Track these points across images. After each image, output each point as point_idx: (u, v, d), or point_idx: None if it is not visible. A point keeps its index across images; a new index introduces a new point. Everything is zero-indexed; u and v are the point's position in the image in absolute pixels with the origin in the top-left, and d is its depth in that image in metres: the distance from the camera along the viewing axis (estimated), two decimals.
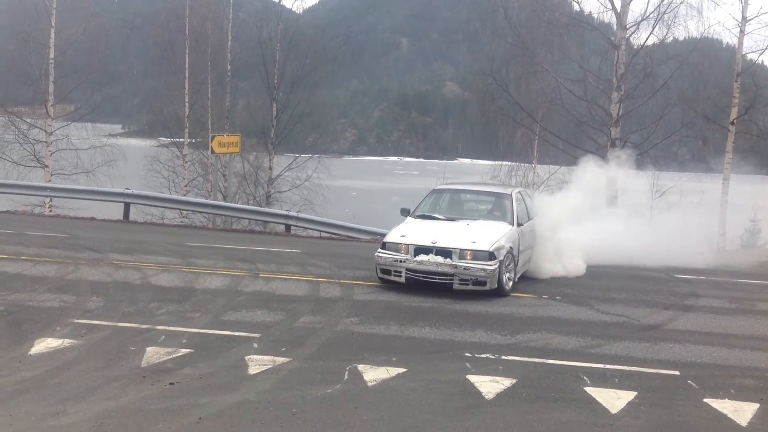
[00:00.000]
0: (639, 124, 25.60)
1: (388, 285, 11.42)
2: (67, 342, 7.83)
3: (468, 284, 10.88)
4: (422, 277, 11.02)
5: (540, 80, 25.82)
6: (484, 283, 10.82)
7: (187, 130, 31.65)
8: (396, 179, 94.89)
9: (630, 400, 6.79)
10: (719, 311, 11.19)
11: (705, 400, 6.91)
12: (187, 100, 31.39)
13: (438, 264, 10.90)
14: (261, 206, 28.88)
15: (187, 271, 12.16)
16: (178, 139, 32.55)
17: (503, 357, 7.98)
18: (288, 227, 21.71)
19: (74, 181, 27.49)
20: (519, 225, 12.16)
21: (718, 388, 7.28)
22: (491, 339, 8.76)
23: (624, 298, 11.80)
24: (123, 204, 21.95)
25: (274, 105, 31.63)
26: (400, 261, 11.10)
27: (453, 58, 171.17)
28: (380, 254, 11.34)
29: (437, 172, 36.62)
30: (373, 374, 7.17)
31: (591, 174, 16.96)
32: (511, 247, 11.40)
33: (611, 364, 7.89)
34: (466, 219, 12.24)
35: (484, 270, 10.75)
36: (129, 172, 28.93)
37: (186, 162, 31.59)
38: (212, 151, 23.24)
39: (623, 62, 23.47)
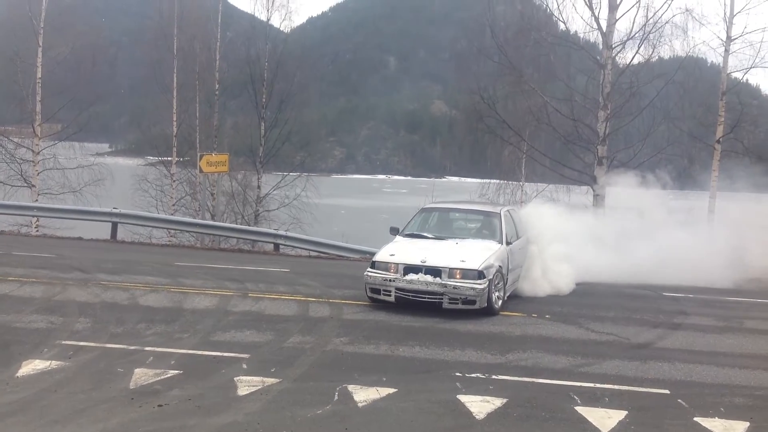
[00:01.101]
0: (625, 142, 25.74)
1: (378, 304, 11.40)
2: (54, 364, 7.77)
3: (457, 303, 10.87)
4: (412, 296, 11.01)
5: (527, 99, 25.90)
6: (473, 302, 10.81)
7: (174, 149, 31.58)
8: (384, 197, 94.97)
9: (620, 419, 6.78)
10: (708, 329, 11.22)
11: (695, 419, 6.91)
12: (174, 119, 31.34)
13: (427, 283, 10.89)
14: (249, 225, 28.82)
15: (176, 291, 12.11)
16: (166, 158, 32.47)
17: (493, 376, 7.97)
18: (277, 246, 21.67)
19: (61, 200, 27.33)
20: (508, 243, 12.19)
21: (708, 406, 7.29)
22: (481, 358, 8.75)
23: (613, 317, 11.83)
24: (110, 223, 21.85)
25: (263, 124, 31.63)
26: (390, 280, 11.08)
27: (440, 77, 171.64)
28: (369, 273, 11.31)
29: (426, 190, 36.59)
30: (363, 395, 7.15)
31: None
32: (500, 266, 11.41)
33: (601, 383, 7.89)
34: (455, 238, 12.26)
35: (474, 289, 10.75)
36: (116, 192, 28.82)
37: (174, 181, 31.49)
38: (201, 171, 23.19)
39: (609, 81, 23.62)
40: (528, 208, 16.64)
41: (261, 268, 16.07)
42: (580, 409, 7.04)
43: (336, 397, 7.06)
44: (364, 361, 8.38)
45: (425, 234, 12.38)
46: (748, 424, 6.80)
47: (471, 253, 11.32)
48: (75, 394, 6.88)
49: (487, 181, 31.78)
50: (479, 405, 6.99)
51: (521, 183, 30.37)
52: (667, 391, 7.76)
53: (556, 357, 8.96)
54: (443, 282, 10.86)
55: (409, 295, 11.03)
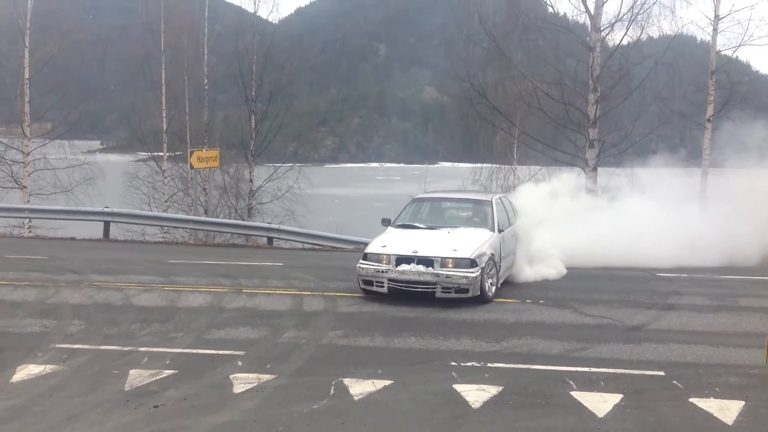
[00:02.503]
0: (616, 124, 25.72)
1: (372, 296, 11.40)
2: (49, 368, 7.75)
3: (450, 292, 10.89)
4: (405, 286, 11.02)
5: (517, 84, 25.87)
6: (466, 291, 10.84)
7: (165, 145, 31.47)
8: (378, 185, 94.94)
9: (616, 402, 6.81)
10: (702, 309, 11.26)
11: (690, 399, 6.94)
12: (164, 114, 31.22)
13: (420, 273, 10.90)
14: (243, 219, 28.77)
15: (169, 289, 12.09)
16: (157, 153, 32.36)
17: (489, 364, 7.99)
18: (270, 239, 21.64)
19: (53, 200, 27.21)
20: (500, 231, 12.23)
21: (703, 387, 7.32)
22: (476, 346, 8.76)
23: (607, 300, 11.85)
24: (103, 222, 21.78)
25: (253, 117, 31.53)
26: (382, 271, 11.09)
27: (430, 63, 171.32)
28: (362, 265, 11.33)
29: (418, 177, 36.66)
30: (359, 388, 7.15)
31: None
32: (492, 254, 11.43)
33: (596, 367, 7.92)
34: (447, 227, 12.26)
35: (466, 277, 10.77)
36: (108, 190, 28.71)
37: (165, 177, 31.38)
38: (191, 167, 23.15)
39: (598, 64, 23.59)
40: (520, 192, 16.66)
41: (255, 262, 16.05)
42: (575, 394, 7.06)
43: (332, 392, 7.07)
44: (359, 354, 8.38)
45: (417, 224, 12.37)
46: (743, 403, 6.82)
47: (463, 242, 11.33)
48: (70, 398, 6.86)
49: (480, 165, 31.77)
50: (475, 394, 7.00)
51: (513, 167, 30.36)
52: (662, 373, 7.78)
53: (551, 342, 8.98)
54: (435, 272, 10.86)
55: (401, 286, 11.03)
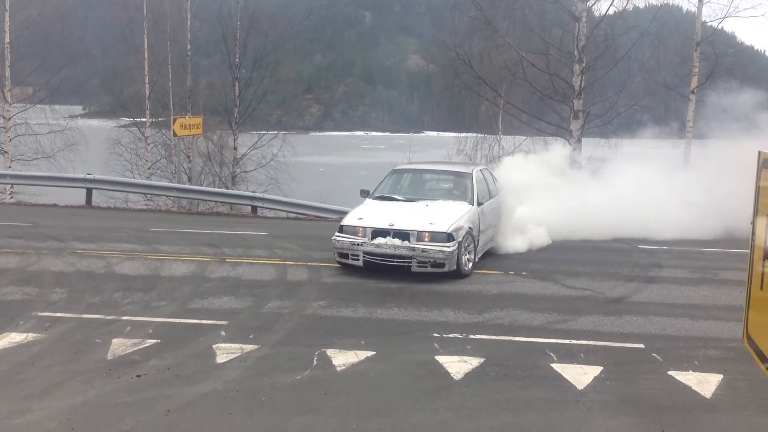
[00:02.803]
0: (601, 95, 25.75)
1: (354, 267, 11.40)
2: (31, 336, 7.73)
3: (426, 266, 10.74)
4: (380, 260, 10.88)
5: (503, 53, 25.78)
6: (442, 265, 10.69)
7: (148, 111, 31.18)
8: (363, 154, 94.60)
9: (596, 375, 6.89)
10: (682, 282, 11.36)
11: (669, 372, 7.03)
12: (147, 80, 30.89)
13: (395, 247, 10.74)
14: (227, 187, 28.65)
15: (152, 258, 12.05)
16: (139, 119, 32.06)
17: (471, 336, 8.05)
18: (254, 208, 21.57)
19: (35, 166, 26.99)
20: (479, 204, 11.99)
21: (682, 360, 7.41)
22: (459, 318, 8.82)
23: (589, 272, 11.93)
24: (85, 189, 21.63)
25: (237, 83, 31.26)
26: (358, 244, 10.95)
27: (416, 31, 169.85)
28: (337, 237, 11.18)
29: (403, 146, 36.50)
30: (341, 359, 7.19)
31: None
32: (470, 228, 11.28)
33: (577, 339, 8.00)
34: (425, 199, 12.05)
35: (443, 252, 10.62)
36: (90, 156, 28.49)
37: (148, 144, 31.14)
38: (175, 134, 22.97)
39: (584, 34, 23.53)
40: (505, 164, 16.65)
41: (239, 231, 16.01)
42: (556, 366, 7.13)
43: (315, 362, 7.10)
44: (342, 325, 8.42)
45: (395, 196, 12.17)
46: (721, 376, 6.91)
47: (440, 216, 11.15)
48: (52, 367, 6.86)
49: (465, 135, 31.70)
50: (457, 365, 7.06)
51: (498, 137, 30.34)
52: (641, 346, 7.87)
53: (533, 314, 9.05)
54: (411, 245, 10.70)
55: (377, 259, 10.89)
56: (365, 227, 11.00)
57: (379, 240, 10.81)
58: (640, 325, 8.68)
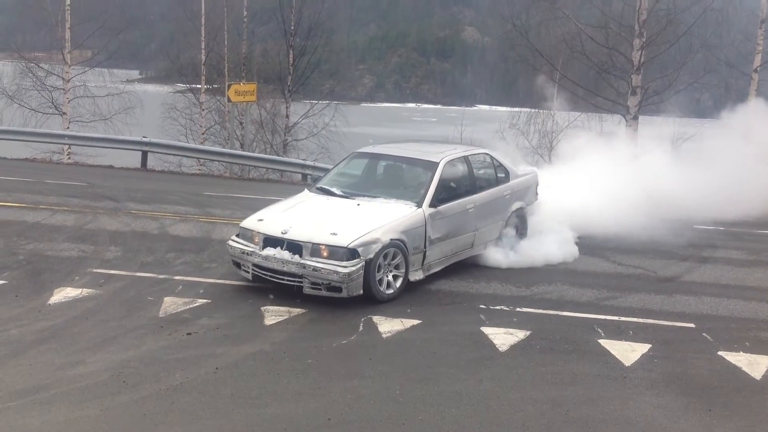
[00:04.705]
0: (660, 71, 25.15)
1: None
2: (86, 292, 7.94)
3: (320, 289, 8.02)
4: (269, 276, 8.36)
5: (560, 26, 25.35)
6: (339, 290, 7.93)
7: (203, 77, 31.48)
8: (414, 126, 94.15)
9: (644, 352, 6.82)
10: (737, 263, 11.11)
11: (719, 353, 6.93)
12: (203, 46, 31.14)
13: (284, 261, 8.14)
14: (278, 154, 28.83)
15: (204, 221, 12.23)
16: (195, 85, 32.41)
17: (518, 309, 8.02)
18: (305, 176, 21.67)
19: (92, 128, 27.51)
20: (434, 206, 9.01)
21: (732, 341, 7.29)
22: (506, 291, 8.79)
23: (641, 249, 11.66)
24: (141, 152, 21.99)
25: (291, 51, 31.31)
26: (247, 254, 8.49)
27: (472, 2, 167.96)
28: (231, 243, 8.83)
29: (455, 119, 36.22)
30: (387, 326, 7.24)
31: None
32: (399, 240, 8.40)
33: (626, 317, 7.91)
34: (367, 195, 9.28)
35: (337, 273, 7.84)
36: (146, 120, 28.93)
37: (203, 110, 31.49)
38: (229, 100, 23.11)
39: (646, 8, 22.95)
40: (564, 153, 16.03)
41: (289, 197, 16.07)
42: (603, 342, 7.07)
43: (361, 328, 7.17)
44: None
45: (334, 189, 9.56)
46: None
47: (355, 223, 8.43)
48: (106, 322, 7.04)
49: (518, 110, 31.30)
50: (502, 337, 7.05)
51: (553, 112, 29.89)
52: (692, 325, 7.76)
53: (582, 290, 8.96)
54: (302, 262, 8.03)
55: (266, 275, 8.39)
56: (260, 233, 8.52)
57: (269, 251, 8.30)
58: (692, 305, 8.54)
